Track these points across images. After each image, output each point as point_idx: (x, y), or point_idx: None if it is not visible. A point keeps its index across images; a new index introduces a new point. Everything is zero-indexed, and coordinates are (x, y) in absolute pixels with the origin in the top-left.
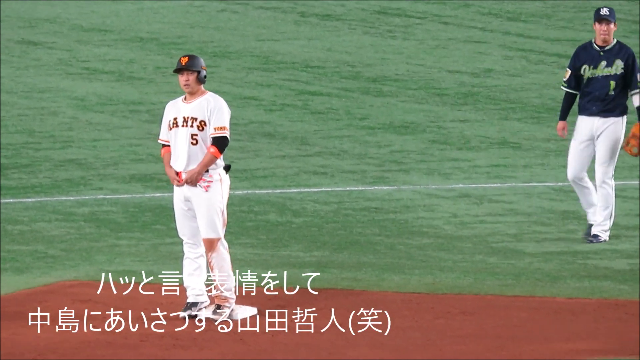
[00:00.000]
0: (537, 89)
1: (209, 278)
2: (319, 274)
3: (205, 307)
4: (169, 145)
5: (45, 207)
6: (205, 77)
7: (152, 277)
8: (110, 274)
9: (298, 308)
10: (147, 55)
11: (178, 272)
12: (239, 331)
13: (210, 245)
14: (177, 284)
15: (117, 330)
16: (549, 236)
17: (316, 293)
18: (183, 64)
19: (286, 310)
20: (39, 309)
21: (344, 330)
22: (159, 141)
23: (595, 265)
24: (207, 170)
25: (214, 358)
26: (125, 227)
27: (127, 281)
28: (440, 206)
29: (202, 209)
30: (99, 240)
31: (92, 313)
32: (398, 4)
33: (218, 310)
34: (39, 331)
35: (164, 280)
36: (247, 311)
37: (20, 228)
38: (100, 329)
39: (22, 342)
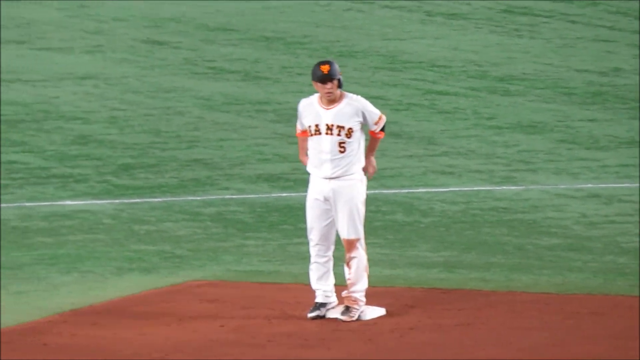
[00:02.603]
0: None
1: (338, 278)
2: (446, 273)
3: (333, 308)
4: (303, 131)
5: (171, 207)
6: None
7: (279, 277)
8: (237, 274)
9: (426, 308)
10: (273, 54)
11: (306, 272)
12: (367, 331)
13: (351, 245)
14: (305, 283)
15: (244, 330)
16: None
17: (444, 293)
18: (326, 72)
19: (414, 310)
20: (166, 308)
21: (471, 330)
22: (297, 129)
23: None
24: (352, 173)
25: (342, 358)
26: (252, 227)
27: (255, 281)
28: (569, 206)
29: (344, 209)
30: (226, 240)
31: (219, 312)
32: (524, 3)
33: (347, 312)
34: (166, 331)
35: (291, 280)
36: (375, 311)
37: (147, 228)
38: (227, 329)
39: (149, 341)
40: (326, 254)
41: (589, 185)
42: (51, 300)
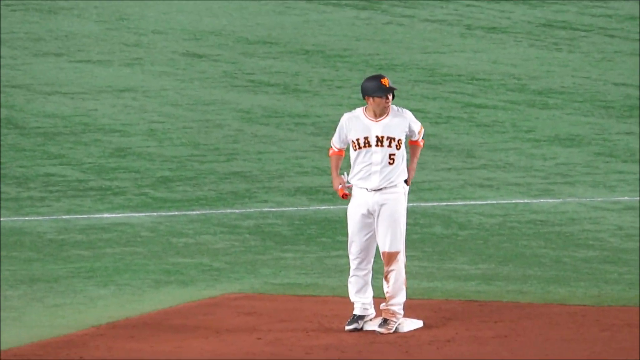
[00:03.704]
0: None
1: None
2: (484, 286)
3: (371, 320)
4: (340, 150)
5: (210, 220)
6: None
7: (317, 290)
8: (275, 287)
9: (463, 320)
10: (312, 67)
11: (343, 285)
12: (404, 343)
13: (391, 258)
14: (343, 296)
15: (281, 343)
16: None
17: (481, 305)
18: (388, 85)
19: (451, 322)
20: (203, 321)
21: (508, 342)
22: (331, 144)
23: None
24: (396, 185)
25: None
26: (290, 240)
27: (292, 294)
28: (605, 219)
29: (387, 222)
30: (264, 253)
31: (256, 325)
32: (564, 17)
33: (385, 324)
34: (203, 344)
35: (329, 292)
36: (413, 324)
37: (185, 241)
38: (264, 341)
39: (186, 355)
40: (366, 267)
41: (626, 198)
42: (88, 314)
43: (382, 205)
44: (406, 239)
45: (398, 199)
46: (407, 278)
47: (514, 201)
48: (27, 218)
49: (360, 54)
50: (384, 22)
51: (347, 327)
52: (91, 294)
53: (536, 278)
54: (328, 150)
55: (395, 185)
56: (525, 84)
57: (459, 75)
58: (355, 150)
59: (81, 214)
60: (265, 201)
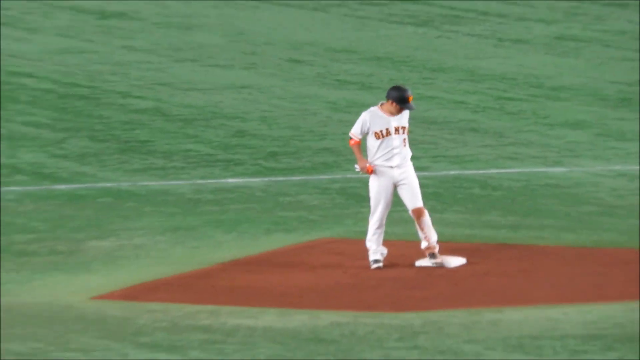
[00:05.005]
0: None
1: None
2: (512, 233)
3: (420, 259)
4: (359, 140)
5: (307, 184)
6: None
7: (386, 236)
8: (356, 233)
9: (496, 258)
10: (382, 70)
11: (406, 232)
12: (452, 276)
13: (420, 211)
14: (406, 240)
15: (361, 276)
16: None
17: (510, 247)
18: (410, 102)
19: (487, 260)
20: (302, 259)
21: (530, 275)
22: (352, 136)
23: None
24: (408, 160)
25: (433, 295)
26: (367, 199)
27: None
28: (603, 183)
29: (411, 187)
30: (348, 208)
31: (342, 262)
32: (571, 32)
33: (433, 257)
34: (303, 276)
35: (396, 238)
36: (458, 261)
37: (289, 199)
38: (348, 275)
39: (290, 283)
40: (382, 227)
41: (618, 167)
42: (216, 254)
43: (404, 176)
44: (452, 198)
45: (412, 169)
46: (453, 227)
47: (534, 170)
48: (171, 182)
49: (418, 60)
50: (435, 36)
51: (374, 266)
52: (219, 239)
53: (551, 227)
54: (349, 140)
55: (408, 160)
56: (543, 82)
57: (493, 76)
58: (377, 139)
59: (212, 179)
60: (348, 170)
